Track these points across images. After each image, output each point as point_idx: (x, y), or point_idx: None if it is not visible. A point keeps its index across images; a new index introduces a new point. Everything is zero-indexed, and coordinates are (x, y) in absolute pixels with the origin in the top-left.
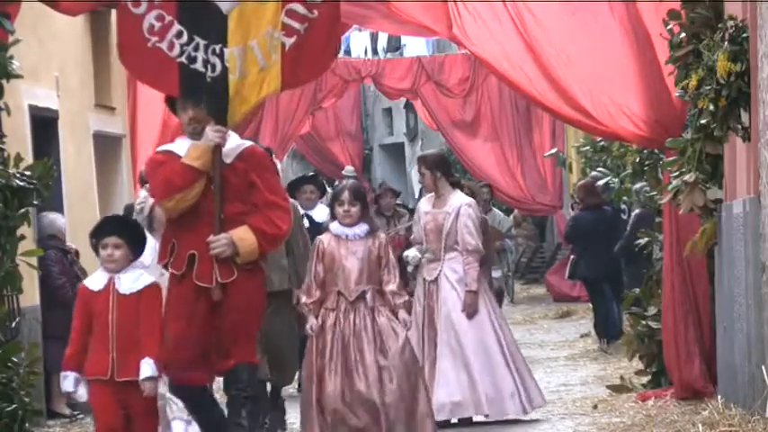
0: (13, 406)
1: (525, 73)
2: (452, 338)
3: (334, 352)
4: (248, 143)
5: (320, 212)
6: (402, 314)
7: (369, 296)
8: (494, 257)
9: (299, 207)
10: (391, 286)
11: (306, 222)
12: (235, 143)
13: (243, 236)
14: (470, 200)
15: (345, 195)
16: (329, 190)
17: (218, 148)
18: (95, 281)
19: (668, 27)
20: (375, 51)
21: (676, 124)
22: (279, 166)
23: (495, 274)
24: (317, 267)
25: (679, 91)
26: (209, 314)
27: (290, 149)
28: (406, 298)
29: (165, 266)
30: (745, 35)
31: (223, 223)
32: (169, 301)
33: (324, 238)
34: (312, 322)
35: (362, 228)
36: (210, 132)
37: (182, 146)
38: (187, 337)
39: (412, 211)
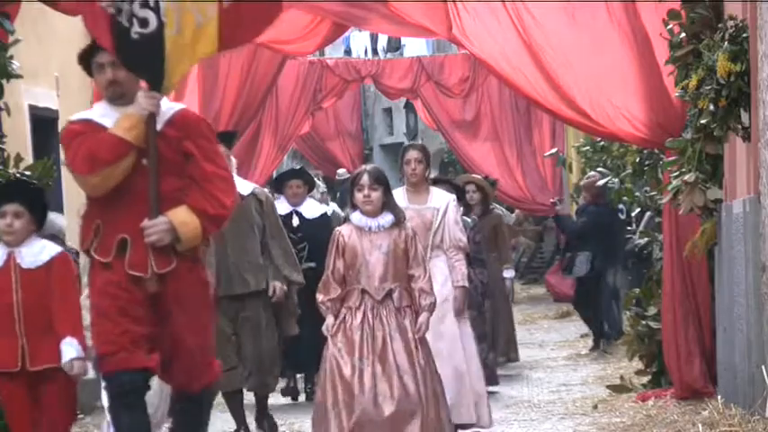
0: None
1: (525, 74)
2: (438, 340)
3: (366, 351)
4: (179, 106)
5: (309, 208)
6: (423, 316)
7: (396, 295)
8: (509, 256)
9: (283, 201)
10: (420, 283)
11: (295, 220)
12: (164, 106)
13: (184, 219)
14: (453, 195)
15: (365, 179)
16: (319, 183)
17: (151, 118)
18: None
19: (668, 27)
20: (375, 51)
21: (676, 125)
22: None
23: (508, 274)
24: (336, 263)
25: (679, 91)
26: (147, 303)
27: (289, 149)
28: (434, 299)
29: (87, 252)
30: (745, 35)
31: (158, 202)
32: (94, 292)
33: (344, 231)
34: (329, 322)
35: (387, 218)
36: (144, 100)
37: (102, 113)
38: (125, 321)
39: None
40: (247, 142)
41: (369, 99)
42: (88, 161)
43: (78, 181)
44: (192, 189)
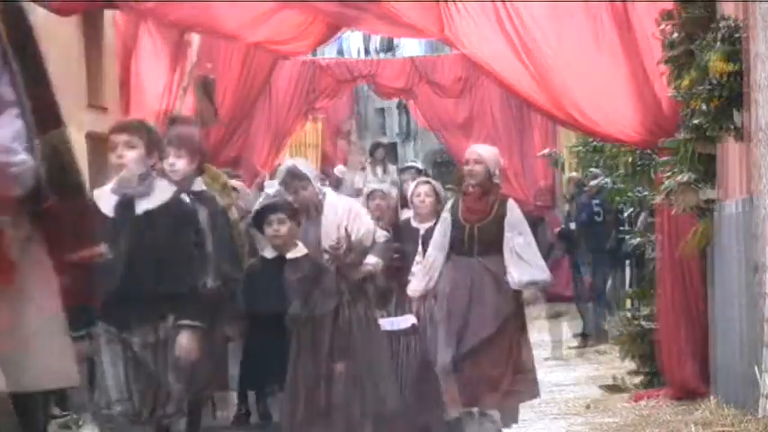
0: None
1: (517, 74)
2: None
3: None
4: None
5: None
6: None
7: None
8: None
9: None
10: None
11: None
12: None
13: None
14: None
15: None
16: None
17: None
18: None
19: (662, 27)
20: (367, 52)
21: (669, 126)
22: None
23: None
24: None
25: (673, 91)
26: None
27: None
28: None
29: None
30: (738, 35)
31: None
32: None
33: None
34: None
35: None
36: None
37: None
38: None
39: None
40: (245, 142)
41: (362, 99)
42: None
43: None
44: None
